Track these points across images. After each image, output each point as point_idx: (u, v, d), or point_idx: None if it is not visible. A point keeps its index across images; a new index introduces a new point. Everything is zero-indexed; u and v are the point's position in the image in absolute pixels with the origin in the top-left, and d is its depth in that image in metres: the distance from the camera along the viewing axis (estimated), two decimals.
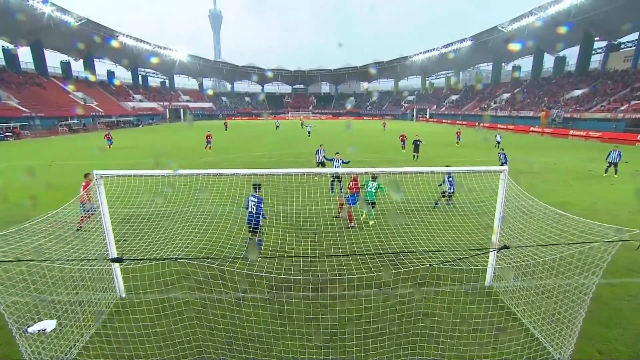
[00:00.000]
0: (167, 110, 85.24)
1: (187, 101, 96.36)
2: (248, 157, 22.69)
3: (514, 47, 65.05)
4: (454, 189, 10.79)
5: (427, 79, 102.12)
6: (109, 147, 28.12)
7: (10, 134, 41.42)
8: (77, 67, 72.88)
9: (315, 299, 5.89)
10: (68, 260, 4.83)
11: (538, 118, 52.22)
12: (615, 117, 41.31)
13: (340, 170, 10.42)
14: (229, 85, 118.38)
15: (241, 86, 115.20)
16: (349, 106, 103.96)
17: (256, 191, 7.35)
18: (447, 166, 6.70)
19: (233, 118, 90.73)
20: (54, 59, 68.40)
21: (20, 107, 49.87)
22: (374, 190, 9.52)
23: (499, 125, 55.00)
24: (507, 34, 64.19)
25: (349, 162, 12.93)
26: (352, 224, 9.27)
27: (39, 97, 55.50)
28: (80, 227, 7.18)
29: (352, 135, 40.73)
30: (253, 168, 5.82)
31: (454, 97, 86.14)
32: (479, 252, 6.87)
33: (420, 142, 21.58)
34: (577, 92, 53.69)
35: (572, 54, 62.86)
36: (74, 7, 62.72)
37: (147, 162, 20.66)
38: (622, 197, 12.45)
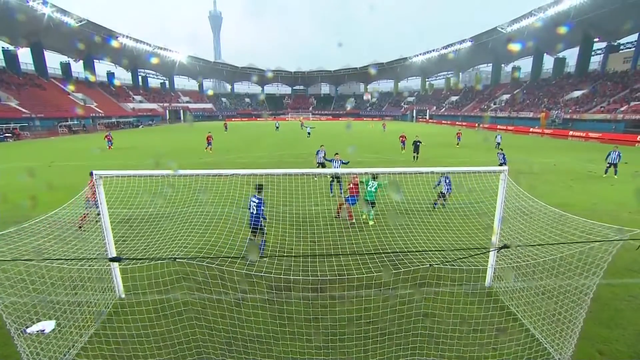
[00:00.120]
0: (167, 111, 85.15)
1: (187, 102, 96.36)
2: (248, 157, 22.69)
3: (514, 48, 65.03)
4: (450, 189, 10.78)
5: (426, 80, 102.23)
6: (109, 147, 28.16)
7: (10, 134, 41.41)
8: (77, 68, 72.90)
9: (315, 300, 5.88)
10: (66, 260, 4.82)
11: (538, 119, 52.17)
12: (615, 118, 41.35)
13: (340, 170, 10.42)
14: (228, 86, 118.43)
15: (241, 87, 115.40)
16: (348, 107, 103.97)
17: (258, 192, 7.33)
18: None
19: (233, 119, 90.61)
20: (53, 60, 68.54)
21: (20, 108, 49.85)
22: (374, 190, 9.51)
23: (498, 126, 54.93)
24: (507, 35, 64.29)
25: (348, 162, 12.92)
26: (353, 221, 9.26)
27: (38, 98, 55.47)
28: (82, 226, 7.16)
29: (352, 136, 40.76)
30: (253, 168, 5.81)
31: (453, 98, 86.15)
32: (479, 252, 6.86)
33: (420, 142, 21.60)
34: (577, 93, 53.74)
35: (571, 55, 63.07)
36: (74, 8, 62.97)
37: (147, 162, 20.66)
38: (622, 198, 12.45)
